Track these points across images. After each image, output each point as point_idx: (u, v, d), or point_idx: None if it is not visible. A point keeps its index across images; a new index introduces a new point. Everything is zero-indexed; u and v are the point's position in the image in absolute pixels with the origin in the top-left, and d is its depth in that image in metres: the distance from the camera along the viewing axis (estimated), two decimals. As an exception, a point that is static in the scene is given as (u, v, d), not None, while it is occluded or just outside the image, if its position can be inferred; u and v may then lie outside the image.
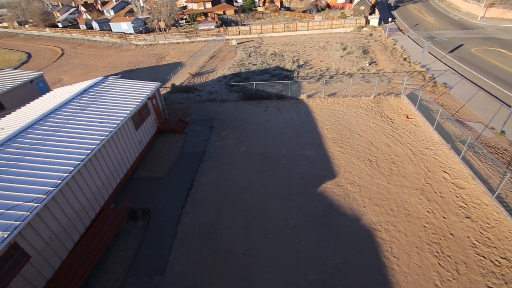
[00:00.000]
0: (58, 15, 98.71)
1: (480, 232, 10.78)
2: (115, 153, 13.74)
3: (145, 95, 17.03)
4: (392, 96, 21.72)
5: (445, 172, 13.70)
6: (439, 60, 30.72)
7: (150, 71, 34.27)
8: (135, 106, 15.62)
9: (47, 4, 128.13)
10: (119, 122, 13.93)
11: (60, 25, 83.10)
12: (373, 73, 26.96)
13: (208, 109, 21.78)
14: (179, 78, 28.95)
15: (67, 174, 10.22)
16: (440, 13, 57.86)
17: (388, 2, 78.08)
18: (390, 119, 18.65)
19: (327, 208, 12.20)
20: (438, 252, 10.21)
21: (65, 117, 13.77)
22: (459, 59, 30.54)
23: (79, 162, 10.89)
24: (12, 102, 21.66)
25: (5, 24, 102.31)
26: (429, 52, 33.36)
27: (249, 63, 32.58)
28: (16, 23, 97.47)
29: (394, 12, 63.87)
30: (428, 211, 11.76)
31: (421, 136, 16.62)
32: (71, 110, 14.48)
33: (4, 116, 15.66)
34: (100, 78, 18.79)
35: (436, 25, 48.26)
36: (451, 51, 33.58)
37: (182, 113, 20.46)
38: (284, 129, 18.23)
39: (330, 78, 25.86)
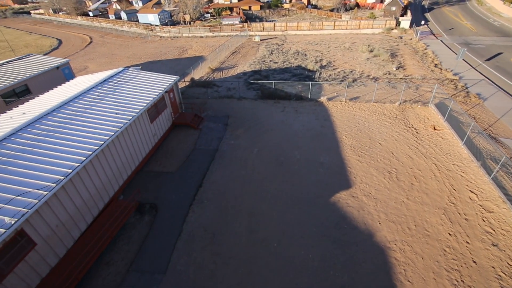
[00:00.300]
0: (90, 4, 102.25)
1: (508, 263, 9.76)
2: (128, 146, 13.77)
3: (163, 89, 16.98)
4: (419, 104, 20.42)
5: (472, 192, 12.59)
6: (474, 68, 28.61)
7: (172, 63, 34.52)
8: (151, 99, 15.58)
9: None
10: (135, 114, 13.92)
11: (91, 14, 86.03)
12: (400, 78, 25.53)
13: (224, 106, 21.50)
14: (199, 72, 28.89)
15: (78, 164, 10.27)
16: (479, 18, 54.11)
17: (422, 3, 74.21)
18: (415, 129, 17.49)
19: (339, 220, 11.56)
20: (457, 281, 9.34)
21: (83, 106, 13.94)
22: (497, 69, 28.30)
23: (91, 153, 10.93)
24: (39, 87, 22.44)
25: (41, 11, 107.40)
26: (463, 59, 31.21)
27: (270, 60, 31.96)
28: (51, 10, 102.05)
29: (428, 15, 60.53)
30: (449, 234, 10.82)
31: (448, 150, 15.42)
32: (90, 99, 14.65)
33: (28, 101, 16.16)
34: (120, 68, 18.97)
35: (473, 30, 45.14)
36: (488, 60, 31.21)
37: (198, 108, 20.33)
38: (300, 132, 17.60)
39: (353, 81, 24.76)
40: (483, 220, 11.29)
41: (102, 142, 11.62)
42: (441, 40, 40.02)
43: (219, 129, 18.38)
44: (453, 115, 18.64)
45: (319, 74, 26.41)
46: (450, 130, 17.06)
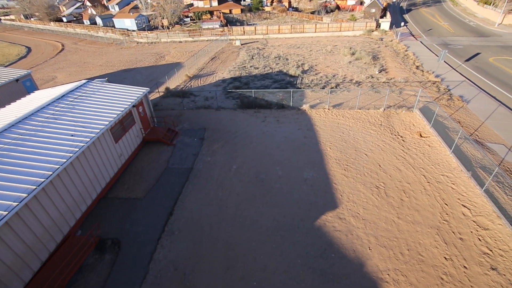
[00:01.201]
0: (64, 9, 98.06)
1: (510, 290, 8.90)
2: (87, 172, 12.13)
3: (130, 103, 15.40)
4: (403, 109, 19.75)
5: (465, 206, 11.78)
6: (455, 69, 28.55)
7: (147, 71, 32.72)
8: (115, 115, 13.98)
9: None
10: (93, 135, 12.30)
11: (64, 19, 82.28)
12: (383, 82, 24.96)
13: (201, 117, 20.08)
14: (175, 81, 27.31)
15: (16, 204, 8.61)
16: (455, 18, 55.27)
17: (400, 5, 75.52)
18: (401, 137, 16.72)
19: (325, 247, 10.41)
20: (458, 315, 8.37)
21: (34, 127, 12.19)
22: (476, 69, 28.34)
23: (34, 187, 9.27)
24: (-6, 102, 20.26)
25: (12, 17, 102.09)
26: (444, 61, 31.20)
27: (251, 66, 30.80)
28: (22, 16, 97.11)
29: (406, 16, 61.39)
30: (445, 258, 9.88)
31: (437, 159, 14.68)
32: (43, 119, 12.90)
33: (-28, 122, 14.16)
34: (83, 81, 17.21)
35: (450, 31, 45.84)
36: (467, 60, 31.36)
37: (172, 122, 18.81)
38: (282, 145, 16.44)
39: (336, 87, 23.95)
40: (479, 239, 10.45)
41: (51, 173, 9.97)
42: (420, 41, 40.22)
43: (195, 144, 16.95)
44: (438, 120, 18.05)
45: (301, 80, 25.46)
46: (437, 137, 16.39)
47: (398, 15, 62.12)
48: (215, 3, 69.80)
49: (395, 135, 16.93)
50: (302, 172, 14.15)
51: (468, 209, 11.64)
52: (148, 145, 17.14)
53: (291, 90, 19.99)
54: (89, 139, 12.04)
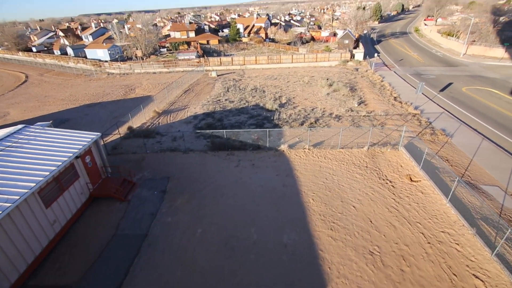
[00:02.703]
0: (35, 39, 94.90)
1: None
2: (-6, 256, 9.03)
3: (72, 154, 12.68)
4: (388, 147, 18.32)
5: (476, 277, 9.76)
6: (431, 100, 28.37)
7: (113, 106, 30.08)
8: (47, 173, 11.17)
9: (26, 28, 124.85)
10: (8, 206, 9.36)
11: (34, 49, 78.89)
12: (364, 116, 23.89)
13: (166, 162, 17.50)
14: (142, 118, 24.80)
15: None
16: (423, 49, 58.14)
17: (371, 36, 79.55)
18: (390, 182, 14.97)
19: None
20: None
21: None
22: (452, 100, 28.33)
23: None
24: None
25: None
26: (422, 92, 31.24)
27: (226, 99, 29.10)
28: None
29: (378, 47, 64.07)
30: None
31: (433, 210, 12.87)
32: None
33: None
34: (19, 127, 14.35)
35: (420, 61, 47.58)
36: (442, 90, 31.62)
37: (128, 172, 16.04)
38: (258, 197, 14.10)
39: (315, 122, 22.47)
40: (503, 327, 8.30)
41: None
42: (394, 72, 40.95)
43: (154, 199, 14.21)
44: (426, 158, 16.64)
45: (279, 115, 23.86)
46: (429, 181, 14.78)
47: (370, 45, 64.75)
48: (192, 34, 69.87)
49: (384, 179, 15.17)
50: (281, 235, 11.74)
51: (481, 281, 9.61)
52: (97, 202, 14.17)
53: (267, 130, 18.09)
54: (1, 212, 9.10)
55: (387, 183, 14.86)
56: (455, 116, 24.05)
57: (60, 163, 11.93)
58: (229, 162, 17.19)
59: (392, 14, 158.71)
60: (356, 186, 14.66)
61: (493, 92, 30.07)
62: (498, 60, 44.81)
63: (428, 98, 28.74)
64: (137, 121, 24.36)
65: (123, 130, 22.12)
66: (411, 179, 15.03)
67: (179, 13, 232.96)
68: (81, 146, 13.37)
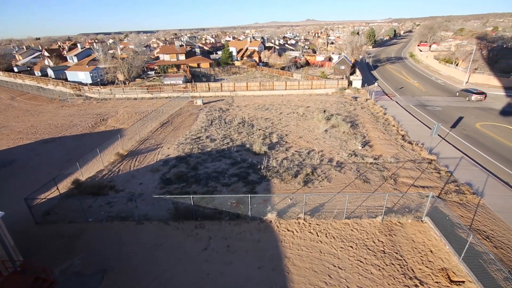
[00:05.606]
0: (20, 58, 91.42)
1: None
2: None
3: None
4: (408, 216, 13.94)
5: None
6: (445, 139, 24.53)
7: (74, 142, 25.50)
8: None
9: (13, 47, 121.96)
10: None
11: (16, 69, 74.97)
12: (371, 163, 19.71)
13: (110, 241, 12.75)
14: (98, 163, 20.09)
15: None
16: (422, 76, 55.71)
17: (366, 61, 77.87)
18: (421, 283, 10.42)
19: None
20: None
21: None
22: (467, 139, 24.56)
23: None
24: None
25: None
26: (427, 126, 27.56)
27: (207, 137, 24.81)
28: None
29: (375, 72, 61.70)
30: None
31: None
32: None
33: None
34: None
35: (422, 90, 44.63)
36: (453, 127, 27.97)
37: (43, 268, 11.10)
38: (229, 314, 9.37)
39: (312, 173, 18.15)
40: None
41: None
42: (396, 102, 37.61)
43: (72, 317, 9.35)
44: (458, 234, 12.28)
45: (268, 161, 19.52)
46: (477, 284, 10.28)
47: (366, 71, 62.37)
48: (182, 57, 66.99)
49: (411, 278, 10.62)
50: None
51: None
52: (-17, 323, 9.26)
53: (249, 196, 13.55)
54: None
55: (416, 286, 10.31)
56: (478, 164, 20.06)
57: None
58: (195, 242, 12.50)
59: (385, 39, 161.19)
60: (373, 291, 10.07)
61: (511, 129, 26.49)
62: (504, 89, 42.04)
63: (441, 137, 24.91)
64: (93, 167, 19.71)
65: (69, 182, 17.44)
66: (450, 279, 10.51)
67: (176, 34, 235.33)
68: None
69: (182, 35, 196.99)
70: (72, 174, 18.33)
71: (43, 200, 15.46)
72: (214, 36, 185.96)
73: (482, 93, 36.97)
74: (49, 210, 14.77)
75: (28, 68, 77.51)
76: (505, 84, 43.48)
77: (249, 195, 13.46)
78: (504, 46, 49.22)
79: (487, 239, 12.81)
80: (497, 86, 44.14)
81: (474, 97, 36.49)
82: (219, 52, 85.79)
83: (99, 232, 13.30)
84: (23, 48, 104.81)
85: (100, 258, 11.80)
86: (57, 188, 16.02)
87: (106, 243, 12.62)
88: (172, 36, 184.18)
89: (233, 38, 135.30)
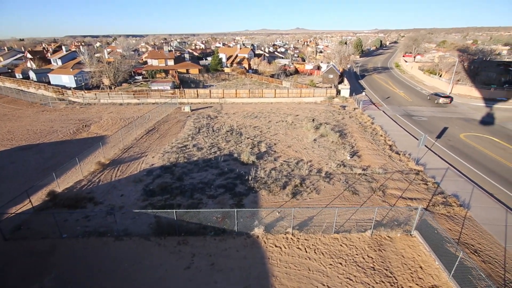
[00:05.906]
0: (1, 59, 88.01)
1: None
2: None
3: None
4: (397, 230, 13.75)
5: None
6: (431, 150, 24.85)
7: (53, 150, 24.27)
8: None
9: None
10: None
11: (-5, 71, 71.99)
12: (359, 174, 19.60)
13: (85, 259, 11.87)
14: (77, 173, 19.08)
15: None
16: (407, 86, 57.06)
17: (354, 70, 79.34)
18: (412, 302, 10.13)
19: None
20: None
21: None
22: (453, 150, 24.99)
23: None
24: None
25: None
26: (413, 136, 27.96)
27: (193, 145, 24.16)
28: None
29: (362, 82, 62.82)
30: None
31: None
32: None
33: None
34: None
35: (408, 100, 45.62)
36: (438, 137, 28.47)
37: None
38: None
39: (301, 184, 17.82)
40: None
41: None
42: (383, 111, 38.16)
43: None
44: (447, 249, 12.16)
45: (256, 171, 19.07)
46: (467, 303, 10.09)
47: (354, 81, 63.41)
48: (170, 62, 66.21)
49: (401, 296, 10.32)
50: None
51: None
52: None
53: (235, 210, 13.01)
54: None
55: (407, 304, 10.00)
56: (463, 175, 20.31)
57: None
58: (178, 259, 11.81)
59: (372, 49, 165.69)
60: (364, 312, 9.68)
61: (494, 141, 27.16)
62: (484, 100, 43.57)
63: (427, 147, 25.22)
64: (71, 177, 18.67)
65: (44, 193, 16.38)
66: (440, 297, 10.28)
67: (165, 39, 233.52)
68: None
69: (172, 40, 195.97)
70: (48, 185, 17.25)
71: (13, 214, 14.35)
72: (204, 42, 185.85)
73: (448, 96, 42.68)
74: (20, 224, 13.72)
75: (9, 70, 74.64)
76: (485, 96, 45.07)
77: (235, 210, 12.91)
78: (484, 59, 51.16)
79: (475, 254, 12.74)
80: (478, 97, 45.68)
81: (441, 100, 42.22)
82: (209, 58, 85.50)
83: (74, 249, 12.39)
84: (4, 49, 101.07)
85: (74, 277, 10.92)
86: (30, 201, 14.97)
87: (81, 261, 11.74)
88: (162, 41, 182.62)
89: (223, 44, 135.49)
